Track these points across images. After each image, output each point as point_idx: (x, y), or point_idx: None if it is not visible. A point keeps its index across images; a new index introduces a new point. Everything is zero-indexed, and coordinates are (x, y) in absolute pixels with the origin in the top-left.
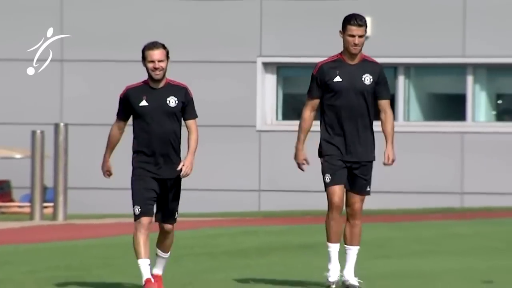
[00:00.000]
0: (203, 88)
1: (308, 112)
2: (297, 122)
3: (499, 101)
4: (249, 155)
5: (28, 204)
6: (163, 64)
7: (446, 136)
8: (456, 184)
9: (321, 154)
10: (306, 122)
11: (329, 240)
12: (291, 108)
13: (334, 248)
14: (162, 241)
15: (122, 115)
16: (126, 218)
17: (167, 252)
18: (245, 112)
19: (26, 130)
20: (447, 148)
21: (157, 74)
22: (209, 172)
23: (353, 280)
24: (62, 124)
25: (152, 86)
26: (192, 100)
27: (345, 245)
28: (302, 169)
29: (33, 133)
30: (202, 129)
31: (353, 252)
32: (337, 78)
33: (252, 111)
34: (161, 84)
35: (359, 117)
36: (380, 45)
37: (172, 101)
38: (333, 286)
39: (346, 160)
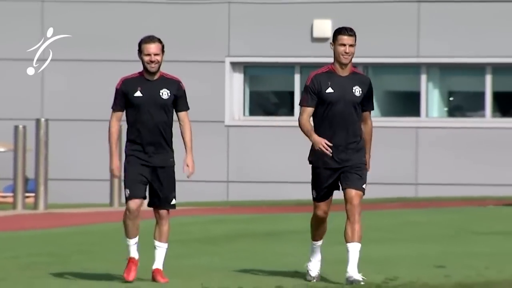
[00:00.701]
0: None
1: (305, 117)
2: (263, 118)
3: (451, 98)
4: (218, 148)
5: (11, 194)
6: (158, 58)
7: (402, 131)
8: (411, 175)
9: (311, 162)
10: (307, 124)
11: (313, 239)
12: (257, 105)
13: (317, 244)
14: (158, 230)
15: (118, 106)
16: (103, 208)
17: (165, 243)
18: (214, 108)
19: (9, 125)
20: (403, 142)
21: (152, 67)
22: (181, 164)
23: (357, 275)
24: (43, 120)
25: (147, 78)
26: (184, 93)
27: (347, 243)
28: (328, 151)
29: (16, 128)
30: (175, 124)
31: (355, 249)
32: (329, 90)
33: (220, 107)
34: (156, 77)
35: (350, 126)
36: None
37: (165, 93)
38: (314, 280)
39: (338, 167)
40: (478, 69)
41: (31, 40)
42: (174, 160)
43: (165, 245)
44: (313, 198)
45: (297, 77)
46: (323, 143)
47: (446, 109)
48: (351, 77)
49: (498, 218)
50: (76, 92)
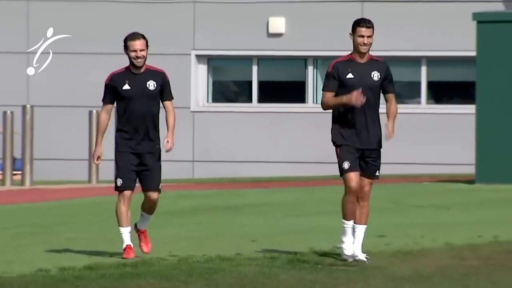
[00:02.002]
0: None
1: (328, 95)
2: (224, 104)
3: None
4: (184, 131)
5: (0, 172)
6: (144, 53)
7: None
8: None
9: (335, 143)
10: (331, 99)
11: (345, 218)
12: (219, 93)
13: (349, 224)
14: (147, 207)
15: (108, 99)
16: (82, 184)
17: (151, 214)
18: (181, 96)
19: None
20: None
21: (139, 62)
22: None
23: (361, 255)
24: (28, 106)
25: (133, 72)
26: (169, 83)
27: (354, 224)
28: (362, 101)
29: (4, 113)
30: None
31: (361, 230)
32: (349, 75)
33: (187, 95)
34: (142, 70)
35: (368, 110)
36: (292, 41)
37: (151, 85)
38: (350, 259)
39: (358, 147)
40: (414, 61)
41: (18, 33)
42: (160, 147)
43: (151, 216)
44: (345, 170)
45: (254, 68)
46: (354, 95)
47: None
48: (369, 64)
49: (432, 193)
50: (58, 82)
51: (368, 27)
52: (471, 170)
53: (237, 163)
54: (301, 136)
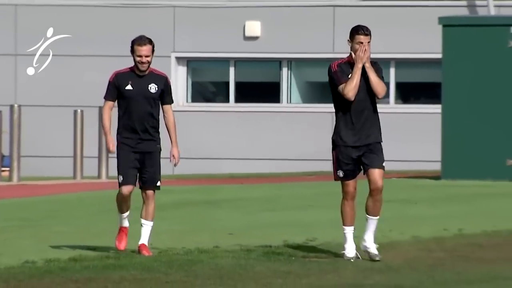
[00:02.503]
0: None
1: (342, 85)
2: (203, 104)
3: None
4: (165, 130)
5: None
6: (149, 59)
7: (320, 115)
8: (328, 152)
9: (333, 143)
10: (348, 82)
11: (345, 224)
12: (198, 93)
13: (349, 230)
14: (145, 209)
15: (110, 97)
16: (67, 180)
17: (151, 221)
18: None
19: None
20: (320, 124)
21: (143, 66)
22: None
23: (373, 248)
24: (16, 105)
25: (137, 73)
26: (170, 87)
27: (367, 215)
28: (366, 56)
29: None
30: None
31: (374, 222)
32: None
33: None
34: (145, 72)
35: (367, 109)
36: (267, 43)
37: (153, 88)
38: (352, 260)
39: (358, 145)
40: (384, 63)
41: (6, 35)
42: (160, 147)
43: (151, 223)
44: (341, 178)
45: (231, 70)
46: (358, 53)
47: None
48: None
49: (400, 188)
50: (44, 83)
51: (366, 35)
52: (437, 166)
53: (215, 160)
54: (275, 134)
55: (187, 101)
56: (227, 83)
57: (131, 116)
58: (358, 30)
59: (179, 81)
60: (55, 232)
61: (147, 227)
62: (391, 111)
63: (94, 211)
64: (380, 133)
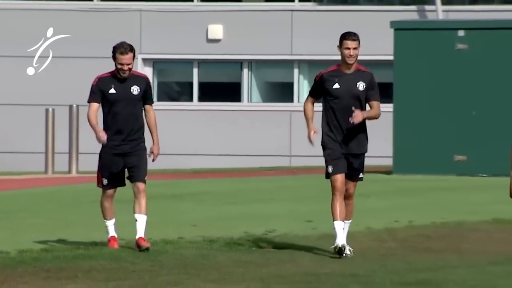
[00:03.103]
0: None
1: (309, 105)
2: (168, 103)
3: None
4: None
5: None
6: (130, 66)
7: (279, 113)
8: (286, 149)
9: (323, 147)
10: (310, 111)
11: (334, 218)
12: (163, 92)
13: (338, 225)
14: (138, 204)
15: (94, 99)
16: (39, 175)
17: (144, 214)
18: None
19: None
20: (280, 122)
21: (124, 73)
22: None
23: (346, 249)
24: None
25: (119, 77)
26: (151, 88)
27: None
28: (311, 144)
29: None
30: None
31: (346, 225)
32: (336, 85)
33: None
34: (127, 76)
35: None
36: (229, 46)
37: (135, 90)
38: (340, 245)
39: (343, 152)
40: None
41: None
42: (144, 144)
43: (145, 217)
44: (330, 173)
45: (195, 71)
46: (311, 134)
47: None
48: (355, 74)
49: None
50: (18, 83)
51: (353, 40)
52: (389, 162)
53: (180, 156)
54: (237, 131)
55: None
56: (191, 83)
57: (115, 118)
58: (346, 36)
59: None
60: (28, 224)
61: (141, 221)
62: None
63: (64, 204)
64: (366, 144)
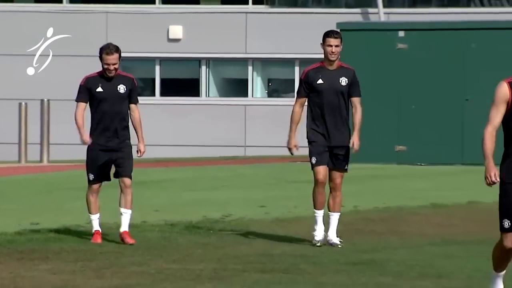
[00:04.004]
0: (70, 74)
1: (297, 108)
2: None
3: (269, 84)
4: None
5: None
6: (116, 66)
7: (234, 107)
8: (241, 139)
9: (308, 140)
10: (297, 116)
11: (315, 207)
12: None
13: (319, 214)
14: (124, 199)
15: (82, 99)
16: (13, 164)
17: (129, 209)
18: None
19: None
20: (235, 115)
21: (111, 73)
22: (76, 131)
23: (335, 239)
24: None
25: (105, 77)
26: (136, 87)
27: (329, 212)
28: (292, 153)
29: None
30: (68, 102)
31: (335, 217)
32: (320, 81)
33: None
34: (113, 75)
35: (337, 111)
36: (188, 45)
37: (121, 88)
38: (319, 244)
39: (328, 145)
40: (289, 62)
41: None
42: (130, 142)
43: (130, 211)
44: (313, 165)
45: (157, 68)
46: (292, 146)
47: (266, 91)
48: (338, 70)
49: (304, 171)
50: None
51: (336, 38)
52: None
53: (147, 146)
54: (196, 123)
55: None
56: (154, 79)
57: (102, 116)
58: (329, 34)
59: None
60: (3, 209)
61: (126, 215)
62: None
63: (37, 191)
64: (349, 136)
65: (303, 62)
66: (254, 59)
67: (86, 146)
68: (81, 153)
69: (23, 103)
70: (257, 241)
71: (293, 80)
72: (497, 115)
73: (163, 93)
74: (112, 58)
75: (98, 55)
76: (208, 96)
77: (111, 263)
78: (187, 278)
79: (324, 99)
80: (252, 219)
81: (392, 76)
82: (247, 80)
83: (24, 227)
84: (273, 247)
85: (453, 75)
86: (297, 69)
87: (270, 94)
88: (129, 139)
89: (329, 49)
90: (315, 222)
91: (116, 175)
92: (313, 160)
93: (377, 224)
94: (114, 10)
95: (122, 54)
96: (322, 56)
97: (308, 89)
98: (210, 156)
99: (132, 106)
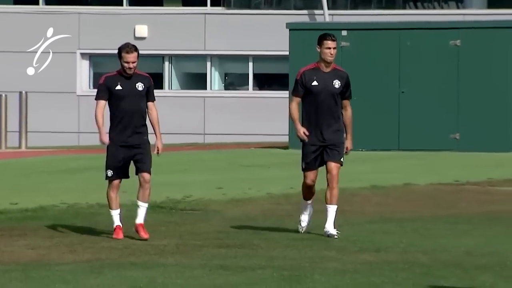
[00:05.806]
0: (48, 69)
1: (294, 105)
2: None
3: (226, 78)
4: (72, 110)
5: None
6: (135, 64)
7: (195, 99)
8: (201, 128)
9: (300, 139)
10: (295, 112)
11: (304, 198)
12: (97, 81)
13: (308, 202)
14: (142, 192)
15: (102, 97)
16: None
17: (146, 202)
18: (69, 84)
19: None
20: (195, 106)
21: (130, 71)
22: (51, 120)
23: (333, 231)
24: None
25: (124, 76)
26: (153, 86)
27: (326, 204)
28: (305, 139)
29: None
30: (49, 95)
31: (332, 209)
32: (314, 82)
33: (73, 83)
34: (131, 74)
35: (331, 111)
36: (152, 43)
37: (140, 86)
38: (302, 231)
39: (321, 144)
40: (244, 58)
41: None
42: (147, 139)
43: (146, 205)
44: (303, 169)
45: None
46: (301, 134)
47: (223, 84)
48: (332, 73)
49: (257, 156)
50: None
51: (333, 40)
52: (285, 139)
53: None
54: (160, 113)
55: (89, 88)
56: None
57: (122, 113)
58: (325, 37)
59: (83, 72)
60: None
61: (143, 208)
62: (250, 96)
63: (16, 174)
64: (342, 133)
65: (256, 58)
66: (212, 56)
67: (60, 133)
68: (56, 140)
69: (3, 95)
70: (215, 219)
71: (247, 75)
72: None
73: None
74: (132, 56)
75: (117, 54)
76: (171, 88)
77: (83, 239)
78: (152, 252)
79: (318, 100)
80: (211, 199)
81: None
82: (206, 74)
83: (4, 206)
84: (229, 224)
85: (390, 69)
86: (250, 64)
87: (227, 87)
88: (147, 136)
89: (327, 51)
90: (302, 209)
91: (136, 171)
92: (303, 164)
93: (323, 204)
94: (85, 11)
95: (93, 51)
96: (273, 53)
97: (304, 88)
98: (173, 143)
99: (150, 104)
